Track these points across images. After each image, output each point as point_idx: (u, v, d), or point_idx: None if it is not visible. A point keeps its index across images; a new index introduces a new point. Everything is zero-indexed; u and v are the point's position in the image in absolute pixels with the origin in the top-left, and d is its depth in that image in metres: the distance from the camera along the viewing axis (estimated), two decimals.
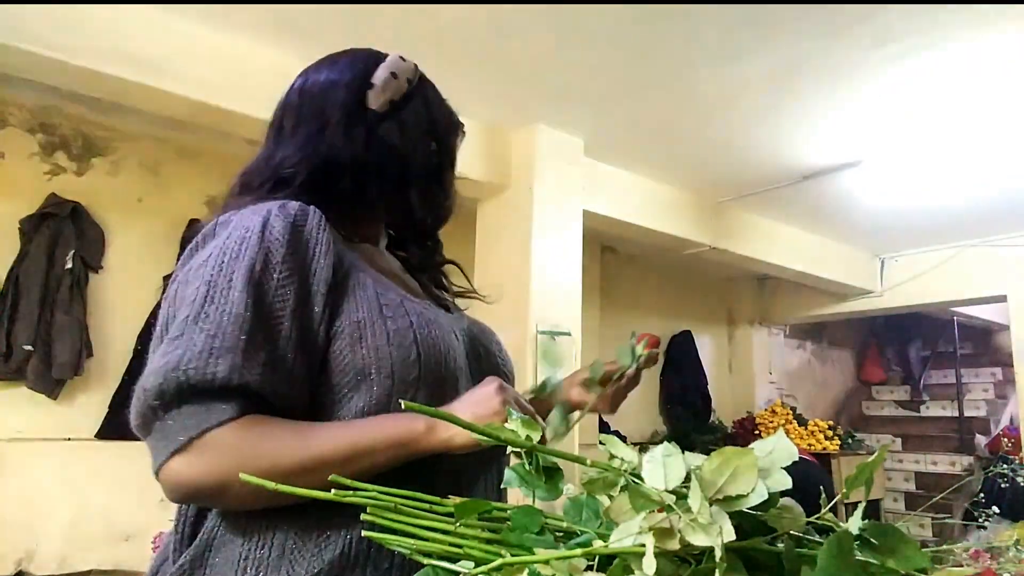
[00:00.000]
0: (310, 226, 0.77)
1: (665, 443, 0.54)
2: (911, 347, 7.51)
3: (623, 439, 0.80)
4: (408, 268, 1.00)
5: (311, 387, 0.74)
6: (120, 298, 3.15)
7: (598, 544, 0.52)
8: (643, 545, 0.47)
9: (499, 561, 0.52)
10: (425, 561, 0.57)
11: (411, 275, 0.99)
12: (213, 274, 0.71)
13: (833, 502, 0.52)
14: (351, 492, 0.62)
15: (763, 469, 0.50)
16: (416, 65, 0.95)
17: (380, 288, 0.80)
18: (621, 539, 0.49)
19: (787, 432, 5.45)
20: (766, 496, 0.48)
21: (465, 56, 2.56)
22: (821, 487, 0.55)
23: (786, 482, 0.50)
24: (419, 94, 0.95)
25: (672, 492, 0.50)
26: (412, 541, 0.58)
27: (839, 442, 5.66)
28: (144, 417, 0.67)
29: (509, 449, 0.67)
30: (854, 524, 0.49)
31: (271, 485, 0.62)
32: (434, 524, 0.59)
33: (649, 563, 0.45)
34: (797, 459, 0.51)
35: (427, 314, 0.82)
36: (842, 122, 3.16)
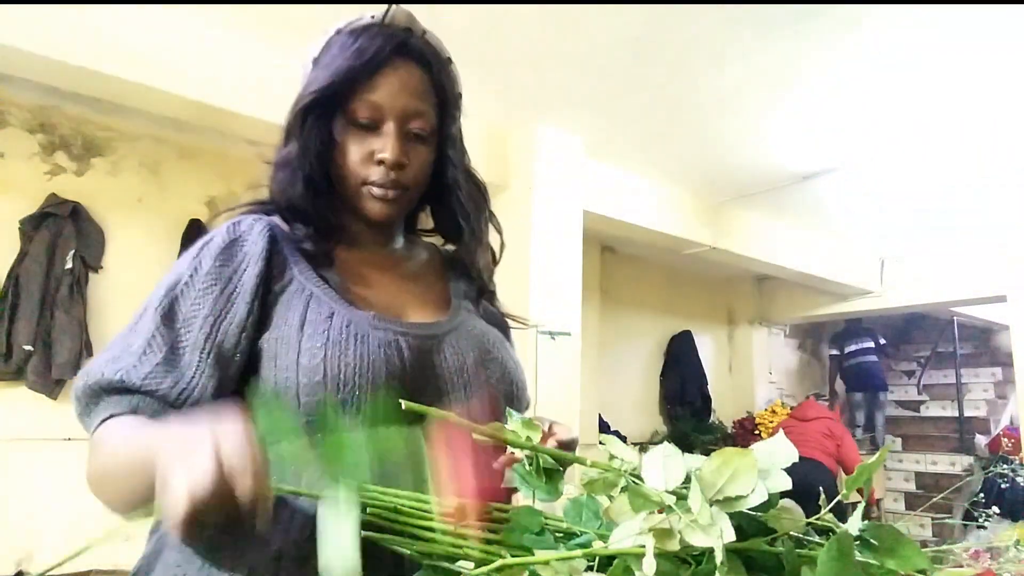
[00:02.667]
0: (250, 242, 0.78)
1: (665, 443, 0.54)
2: (877, 409, 6.70)
3: (623, 439, 0.78)
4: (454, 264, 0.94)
5: (230, 385, 0.74)
6: (120, 298, 3.15)
7: (598, 545, 0.52)
8: (643, 546, 0.47)
9: (499, 562, 0.52)
10: (425, 562, 0.57)
11: (454, 271, 0.93)
12: (154, 291, 0.78)
13: (834, 501, 0.52)
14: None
15: (763, 470, 0.50)
16: (338, 30, 0.84)
17: (314, 302, 0.76)
18: (621, 540, 0.49)
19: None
20: (766, 497, 0.48)
21: (465, 56, 2.55)
22: (821, 487, 0.55)
23: (786, 483, 0.50)
24: (312, 72, 0.85)
25: (672, 493, 0.50)
26: (411, 541, 0.58)
27: None
28: (77, 417, 0.75)
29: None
30: (853, 525, 0.49)
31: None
32: (434, 524, 0.59)
33: (649, 564, 0.45)
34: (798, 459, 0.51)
35: (355, 328, 0.75)
36: (842, 122, 3.16)
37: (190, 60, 2.40)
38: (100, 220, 3.13)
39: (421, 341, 0.79)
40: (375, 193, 0.81)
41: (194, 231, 3.34)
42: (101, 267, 3.12)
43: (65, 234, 2.97)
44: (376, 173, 0.81)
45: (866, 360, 6.52)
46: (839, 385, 6.99)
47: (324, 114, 0.81)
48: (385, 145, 0.80)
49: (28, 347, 2.81)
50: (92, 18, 2.22)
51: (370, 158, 0.81)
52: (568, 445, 0.76)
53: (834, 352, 6.83)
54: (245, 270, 0.76)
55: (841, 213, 4.43)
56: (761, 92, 2.89)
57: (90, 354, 2.99)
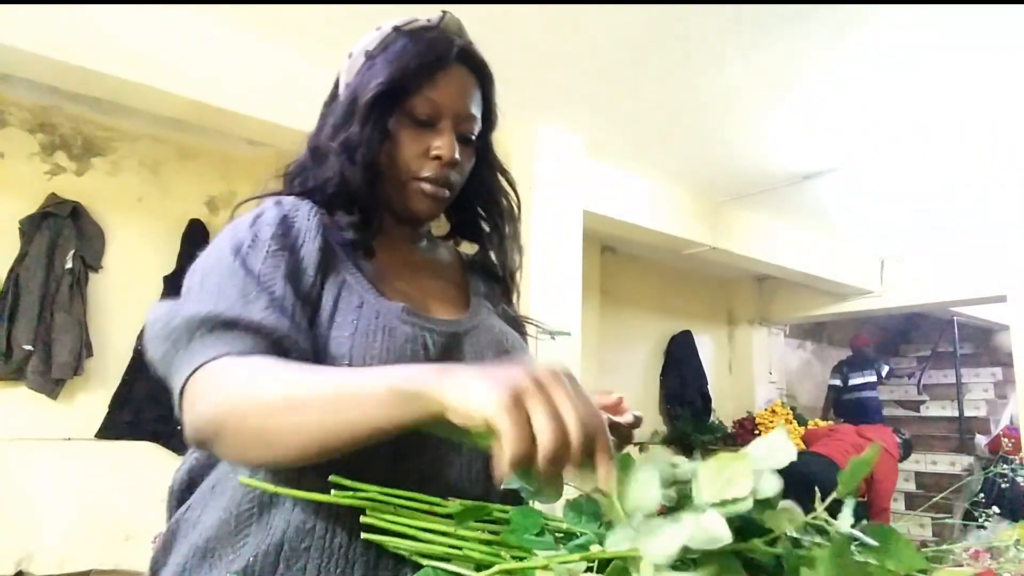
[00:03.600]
0: (301, 217, 0.77)
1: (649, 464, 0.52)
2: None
3: None
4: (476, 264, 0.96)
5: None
6: (120, 298, 3.15)
7: (596, 548, 0.52)
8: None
9: (498, 567, 0.52)
10: (424, 563, 0.57)
11: (477, 271, 0.95)
12: (207, 256, 0.73)
13: (829, 499, 0.52)
14: (350, 493, 0.62)
15: (757, 471, 0.50)
16: (395, 28, 0.84)
17: (346, 290, 0.75)
18: (618, 543, 0.49)
19: (787, 432, 5.36)
20: (751, 505, 0.48)
21: None
22: (816, 485, 0.55)
23: (775, 486, 0.50)
24: (368, 65, 0.84)
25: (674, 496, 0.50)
26: (411, 543, 0.58)
27: None
28: (156, 361, 0.67)
29: None
30: (844, 522, 0.49)
31: (271, 488, 0.63)
32: (433, 526, 0.59)
33: (647, 567, 0.45)
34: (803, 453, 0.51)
35: (383, 320, 0.74)
36: (842, 122, 3.16)
37: (190, 60, 2.40)
38: (100, 220, 3.13)
39: (446, 338, 0.79)
40: (426, 189, 0.82)
41: (194, 231, 3.34)
42: (101, 267, 3.12)
43: (65, 234, 2.97)
44: (430, 168, 0.82)
45: (867, 396, 6.32)
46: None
47: (385, 105, 0.81)
48: (443, 142, 0.81)
49: (28, 347, 2.81)
50: (92, 18, 2.22)
51: (425, 154, 0.82)
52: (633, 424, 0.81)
53: (836, 383, 6.53)
54: (305, 243, 0.75)
55: (841, 213, 4.43)
56: (761, 92, 2.89)
57: (90, 354, 2.99)
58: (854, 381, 6.43)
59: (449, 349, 0.79)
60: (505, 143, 3.73)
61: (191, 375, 0.62)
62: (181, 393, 0.63)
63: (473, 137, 0.86)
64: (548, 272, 3.16)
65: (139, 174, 3.28)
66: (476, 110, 0.86)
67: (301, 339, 0.67)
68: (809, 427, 5.49)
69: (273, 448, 0.58)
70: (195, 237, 3.33)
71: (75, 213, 3.02)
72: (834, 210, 4.36)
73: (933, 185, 3.89)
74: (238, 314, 0.64)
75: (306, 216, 0.77)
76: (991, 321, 6.68)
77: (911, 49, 2.52)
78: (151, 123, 3.12)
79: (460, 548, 0.57)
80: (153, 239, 3.27)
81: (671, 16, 2.35)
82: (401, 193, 0.83)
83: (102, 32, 2.24)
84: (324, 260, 0.75)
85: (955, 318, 6.92)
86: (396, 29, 0.85)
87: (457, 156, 0.82)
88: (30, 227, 2.94)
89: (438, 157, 0.81)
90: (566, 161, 3.32)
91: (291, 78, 2.55)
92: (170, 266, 3.24)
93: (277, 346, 0.65)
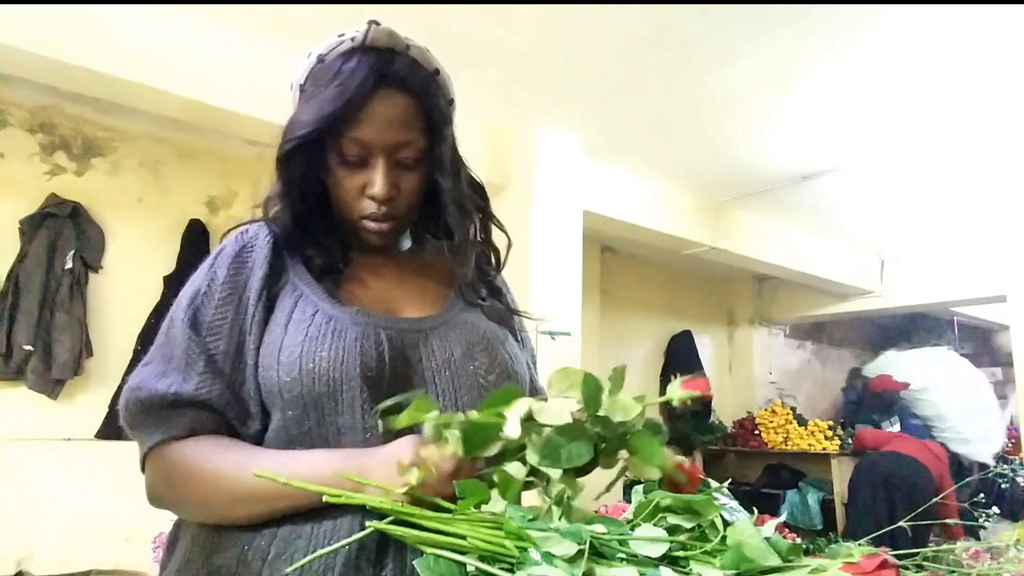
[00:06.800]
0: (256, 247, 0.82)
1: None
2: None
3: None
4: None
5: (259, 397, 0.78)
6: (120, 298, 3.15)
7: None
8: None
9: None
10: (428, 551, 0.58)
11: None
12: (176, 302, 0.81)
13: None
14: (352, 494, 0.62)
15: None
16: (319, 57, 0.85)
17: (302, 301, 0.79)
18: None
19: (787, 432, 5.34)
20: None
21: (465, 56, 2.55)
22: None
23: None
24: (296, 101, 0.88)
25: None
26: (418, 532, 0.59)
27: (839, 442, 5.65)
28: (126, 428, 0.80)
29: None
30: None
31: (282, 479, 0.65)
32: (438, 515, 0.60)
33: None
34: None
35: (334, 324, 0.76)
36: (842, 122, 3.16)
37: (190, 60, 2.39)
38: (100, 220, 3.13)
39: (405, 335, 0.80)
40: (369, 227, 0.84)
41: (194, 231, 3.34)
42: (101, 267, 3.12)
43: (65, 234, 2.97)
44: (369, 207, 0.83)
45: None
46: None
47: (316, 147, 0.82)
48: (374, 180, 0.81)
49: (28, 347, 2.81)
50: (92, 18, 2.22)
51: (362, 192, 0.82)
52: None
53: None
54: (252, 281, 0.80)
55: (841, 213, 4.43)
56: (761, 92, 2.89)
57: (90, 354, 2.99)
58: (885, 430, 6.37)
59: (411, 345, 0.81)
60: (505, 143, 3.74)
61: (147, 452, 0.77)
62: (143, 461, 0.79)
63: (413, 160, 0.83)
64: (548, 272, 3.16)
65: (139, 174, 3.28)
66: (410, 132, 0.82)
67: (238, 398, 0.77)
68: (859, 429, 5.46)
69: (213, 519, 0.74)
70: (195, 237, 3.33)
71: (75, 213, 3.01)
72: (834, 210, 4.36)
73: (933, 185, 3.89)
74: (177, 391, 0.74)
75: (260, 246, 0.82)
76: (991, 321, 6.68)
77: (911, 49, 2.52)
78: (151, 123, 3.12)
79: (464, 537, 0.57)
80: (153, 239, 3.27)
81: (671, 16, 2.35)
82: (352, 229, 0.86)
83: (102, 32, 2.23)
84: (273, 281, 0.81)
85: (955, 318, 6.92)
86: (320, 59, 0.85)
87: (390, 192, 0.81)
88: (30, 227, 2.93)
89: (373, 196, 0.82)
90: (566, 162, 3.32)
91: (291, 78, 2.54)
92: (170, 266, 3.24)
93: (212, 410, 0.75)
